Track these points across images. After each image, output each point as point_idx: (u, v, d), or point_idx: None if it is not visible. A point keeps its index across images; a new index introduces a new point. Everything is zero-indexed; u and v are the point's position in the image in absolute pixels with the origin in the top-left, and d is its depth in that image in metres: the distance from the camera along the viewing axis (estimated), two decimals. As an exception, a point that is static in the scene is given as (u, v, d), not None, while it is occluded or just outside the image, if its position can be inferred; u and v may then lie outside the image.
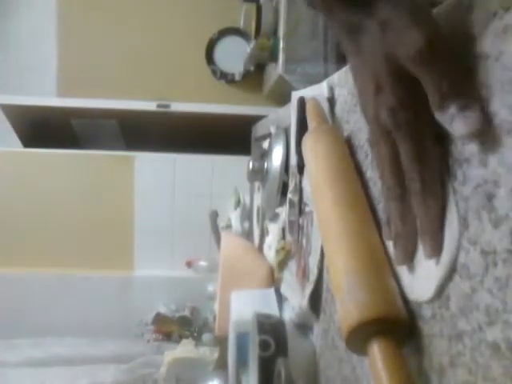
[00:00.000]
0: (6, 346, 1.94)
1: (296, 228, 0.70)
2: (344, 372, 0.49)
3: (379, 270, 0.37)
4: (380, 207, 0.42)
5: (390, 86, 0.31)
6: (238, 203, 1.99)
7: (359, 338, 0.35)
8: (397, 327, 0.34)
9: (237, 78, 2.24)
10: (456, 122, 0.28)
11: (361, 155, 0.49)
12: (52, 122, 2.33)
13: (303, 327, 0.65)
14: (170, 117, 2.25)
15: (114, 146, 2.34)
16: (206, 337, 1.86)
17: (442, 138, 0.32)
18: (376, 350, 0.33)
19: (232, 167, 1.97)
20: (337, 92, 0.59)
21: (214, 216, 1.83)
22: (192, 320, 2.03)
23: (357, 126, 0.50)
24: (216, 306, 0.95)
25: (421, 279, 0.34)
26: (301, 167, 0.65)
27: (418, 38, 0.28)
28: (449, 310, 0.30)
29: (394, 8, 0.30)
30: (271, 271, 0.88)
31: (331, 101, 0.60)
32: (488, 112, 0.27)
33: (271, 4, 1.83)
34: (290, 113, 0.73)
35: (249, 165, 0.98)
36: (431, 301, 0.32)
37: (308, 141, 0.54)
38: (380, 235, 0.41)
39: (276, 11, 1.78)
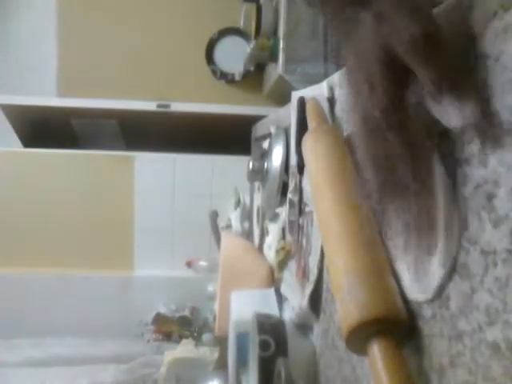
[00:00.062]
0: (5, 346, 1.94)
1: (296, 228, 0.70)
2: (344, 372, 0.49)
3: (379, 270, 0.37)
4: (380, 207, 0.42)
5: (383, 87, 0.31)
6: (237, 203, 1.99)
7: (359, 338, 0.35)
8: (397, 327, 0.34)
9: (237, 78, 2.24)
10: (450, 114, 0.28)
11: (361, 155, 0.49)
12: (52, 122, 2.33)
13: (303, 327, 0.65)
14: (170, 117, 2.24)
15: (114, 146, 2.34)
16: (205, 337, 1.86)
17: (435, 137, 0.32)
18: (376, 350, 0.33)
19: (232, 167, 1.97)
20: (337, 92, 0.59)
21: (214, 216, 1.83)
22: (192, 320, 2.03)
23: (357, 126, 0.50)
24: (216, 306, 0.95)
25: (421, 279, 0.34)
26: (301, 167, 0.65)
27: (414, 27, 0.28)
28: (449, 310, 0.30)
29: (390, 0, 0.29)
30: (271, 271, 0.88)
31: (331, 101, 0.60)
32: (486, 106, 0.27)
33: (271, 4, 1.83)
34: (290, 113, 0.73)
35: (249, 165, 0.98)
36: (431, 301, 0.32)
37: (308, 141, 0.54)
38: (380, 235, 0.41)
39: (276, 11, 1.78)
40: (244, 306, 0.76)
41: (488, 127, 0.27)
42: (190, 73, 2.24)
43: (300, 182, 0.68)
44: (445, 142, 0.32)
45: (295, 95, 0.70)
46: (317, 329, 0.60)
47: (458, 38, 0.30)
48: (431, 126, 0.31)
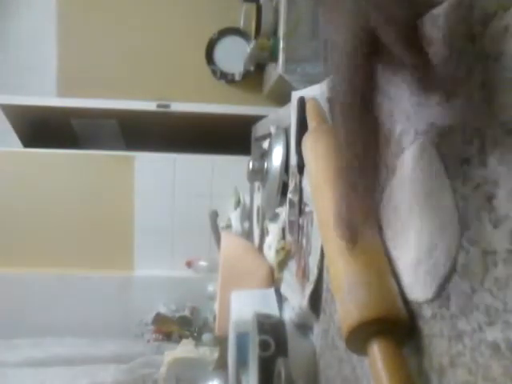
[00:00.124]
0: (6, 346, 1.94)
1: (296, 228, 0.70)
2: (344, 372, 0.49)
3: (379, 270, 0.37)
4: (380, 207, 0.42)
5: (356, 62, 0.30)
6: (237, 203, 1.99)
7: (359, 338, 0.35)
8: (397, 327, 0.34)
9: (237, 78, 2.24)
10: (437, 112, 0.27)
11: (361, 155, 0.49)
12: (52, 122, 2.33)
13: (303, 327, 0.65)
14: (170, 117, 2.25)
15: (114, 146, 2.34)
16: (205, 337, 1.86)
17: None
18: (376, 350, 0.33)
19: (232, 167, 1.97)
20: (337, 92, 0.59)
21: (214, 216, 1.84)
22: (192, 320, 2.03)
23: (357, 126, 0.50)
24: (216, 306, 0.95)
25: (421, 279, 0.34)
26: (301, 167, 0.65)
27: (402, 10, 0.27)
28: (449, 310, 0.30)
29: None
30: (271, 271, 0.89)
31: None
32: (474, 103, 0.27)
33: (271, 4, 1.83)
34: (290, 113, 0.73)
35: (249, 165, 0.98)
36: (431, 301, 0.32)
37: (308, 141, 0.54)
38: (380, 235, 0.41)
39: (276, 11, 1.78)
40: (244, 306, 0.76)
41: (480, 126, 0.27)
42: (189, 73, 2.24)
43: (300, 182, 0.68)
44: (445, 141, 0.32)
45: (295, 95, 0.70)
46: (317, 329, 0.60)
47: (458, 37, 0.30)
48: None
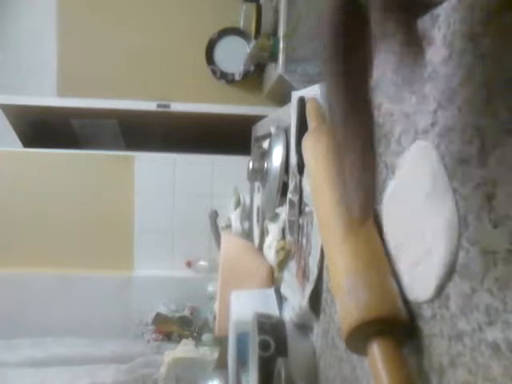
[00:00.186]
0: (6, 346, 1.94)
1: (296, 228, 0.70)
2: (344, 372, 0.49)
3: (379, 270, 0.37)
4: (380, 207, 0.42)
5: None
6: (237, 203, 1.99)
7: (359, 337, 0.35)
8: (397, 327, 0.34)
9: (237, 78, 2.24)
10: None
11: (361, 155, 0.49)
12: (52, 122, 2.33)
13: (303, 327, 0.65)
14: (170, 117, 2.25)
15: (114, 146, 2.34)
16: (205, 337, 1.86)
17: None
18: (376, 350, 0.33)
19: (232, 167, 1.97)
20: (337, 92, 0.59)
21: (214, 216, 1.84)
22: (192, 320, 2.03)
23: (357, 126, 0.50)
24: (216, 306, 0.95)
25: (421, 279, 0.34)
26: (301, 167, 0.65)
27: None
28: (449, 310, 0.30)
29: None
30: (271, 271, 0.89)
31: (331, 101, 0.60)
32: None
33: (271, 4, 1.83)
34: (290, 113, 0.73)
35: (249, 165, 0.98)
36: (431, 301, 0.32)
37: (308, 141, 0.54)
38: (380, 235, 0.41)
39: (276, 11, 1.78)
40: (244, 305, 0.76)
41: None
42: (189, 73, 2.24)
43: (300, 181, 0.68)
44: (445, 141, 0.32)
45: (295, 95, 0.70)
46: (317, 329, 0.60)
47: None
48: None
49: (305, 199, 0.66)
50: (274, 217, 0.88)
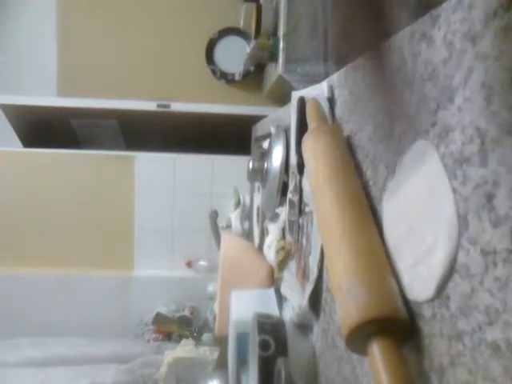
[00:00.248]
0: (6, 346, 1.94)
1: (296, 228, 0.70)
2: (344, 372, 0.49)
3: (379, 270, 0.37)
4: (380, 207, 0.42)
5: None
6: (237, 203, 1.99)
7: (359, 337, 0.35)
8: (397, 327, 0.34)
9: (237, 77, 2.24)
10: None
11: (361, 155, 0.49)
12: (52, 122, 2.33)
13: (303, 327, 0.65)
14: (170, 117, 2.25)
15: (114, 146, 2.34)
16: (205, 337, 1.86)
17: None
18: (376, 349, 0.33)
19: (232, 167, 1.98)
20: (337, 92, 0.59)
21: (214, 216, 1.84)
22: (192, 320, 2.03)
23: (357, 125, 0.51)
24: (216, 306, 0.95)
25: (421, 279, 0.34)
26: (301, 167, 0.65)
27: None
28: (449, 310, 0.30)
29: None
30: (271, 271, 0.89)
31: (331, 101, 0.60)
32: None
33: (271, 4, 1.83)
34: (290, 113, 0.73)
35: (249, 165, 0.98)
36: (431, 301, 0.32)
37: (308, 141, 0.54)
38: (380, 235, 0.41)
39: (276, 11, 1.78)
40: (244, 305, 0.76)
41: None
42: (189, 73, 2.24)
43: (300, 181, 0.68)
44: (444, 141, 0.32)
45: (295, 95, 0.70)
46: (317, 329, 0.60)
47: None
48: None
49: (305, 199, 0.66)
50: (274, 217, 0.88)
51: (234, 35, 2.21)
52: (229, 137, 2.01)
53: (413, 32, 0.38)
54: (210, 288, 1.87)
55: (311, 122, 0.57)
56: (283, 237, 0.81)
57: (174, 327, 2.01)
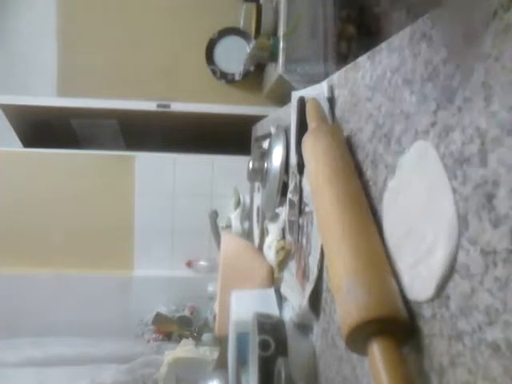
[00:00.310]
0: (6, 346, 1.94)
1: (296, 228, 0.70)
2: (344, 372, 0.49)
3: (379, 270, 0.37)
4: (380, 207, 0.42)
5: None
6: (237, 203, 1.99)
7: (359, 337, 0.35)
8: (397, 327, 0.34)
9: (237, 77, 2.24)
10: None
11: (361, 155, 0.49)
12: (52, 122, 2.33)
13: (303, 327, 0.65)
14: (170, 117, 2.25)
15: (114, 146, 2.34)
16: (205, 337, 1.86)
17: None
18: (376, 349, 0.33)
19: (232, 167, 1.97)
20: (337, 92, 0.59)
21: (214, 216, 1.84)
22: (192, 320, 2.03)
23: (357, 125, 0.50)
24: (216, 306, 0.95)
25: (421, 279, 0.34)
26: (301, 167, 0.65)
27: None
28: (449, 310, 0.30)
29: None
30: (271, 271, 0.88)
31: (331, 101, 0.60)
32: None
33: (271, 4, 1.83)
34: (290, 113, 0.73)
35: (249, 165, 0.98)
36: (431, 301, 0.32)
37: (308, 141, 0.54)
38: (380, 235, 0.41)
39: (276, 11, 1.78)
40: (244, 305, 0.76)
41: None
42: (189, 73, 2.24)
43: (300, 181, 0.68)
44: (445, 141, 0.32)
45: (295, 95, 0.70)
46: (317, 329, 0.60)
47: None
48: None
49: (305, 199, 0.66)
50: (274, 217, 0.88)
51: (233, 35, 2.21)
52: (229, 137, 2.01)
53: (413, 32, 0.38)
54: (210, 288, 1.87)
55: (311, 122, 0.57)
56: (283, 237, 0.81)
57: (173, 327, 2.01)
